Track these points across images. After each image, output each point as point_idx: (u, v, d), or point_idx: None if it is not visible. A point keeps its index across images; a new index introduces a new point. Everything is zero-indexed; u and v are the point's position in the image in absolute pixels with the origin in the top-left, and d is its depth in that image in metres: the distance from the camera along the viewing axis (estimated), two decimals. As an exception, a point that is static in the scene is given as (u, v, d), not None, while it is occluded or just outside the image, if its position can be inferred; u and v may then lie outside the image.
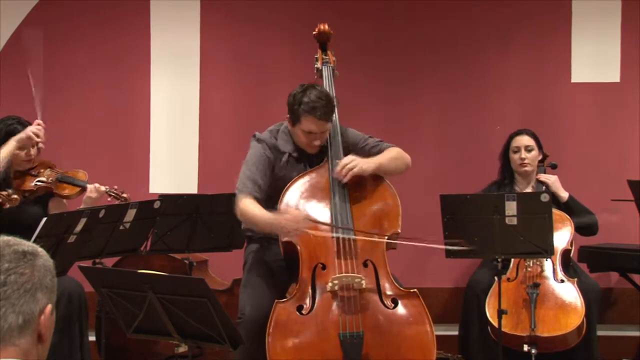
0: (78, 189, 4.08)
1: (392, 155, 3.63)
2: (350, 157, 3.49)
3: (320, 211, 3.47)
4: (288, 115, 3.56)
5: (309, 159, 3.62)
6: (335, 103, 3.57)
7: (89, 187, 4.02)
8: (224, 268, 4.83)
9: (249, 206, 3.42)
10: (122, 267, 4.36)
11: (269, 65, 5.26)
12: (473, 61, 5.25)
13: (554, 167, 4.46)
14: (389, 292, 3.33)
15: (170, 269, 4.40)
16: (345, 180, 3.45)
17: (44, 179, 4.03)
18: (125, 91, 5.25)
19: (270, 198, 3.51)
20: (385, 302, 3.30)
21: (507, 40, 5.25)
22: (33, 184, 4.02)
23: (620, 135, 5.19)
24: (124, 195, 4.06)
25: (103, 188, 4.03)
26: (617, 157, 5.17)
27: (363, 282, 3.27)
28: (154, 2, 5.26)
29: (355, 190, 3.52)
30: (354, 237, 3.36)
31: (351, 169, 3.43)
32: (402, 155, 3.67)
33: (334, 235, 3.36)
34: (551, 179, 4.39)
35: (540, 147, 4.46)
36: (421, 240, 3.40)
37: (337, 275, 3.28)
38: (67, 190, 4.08)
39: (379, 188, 3.56)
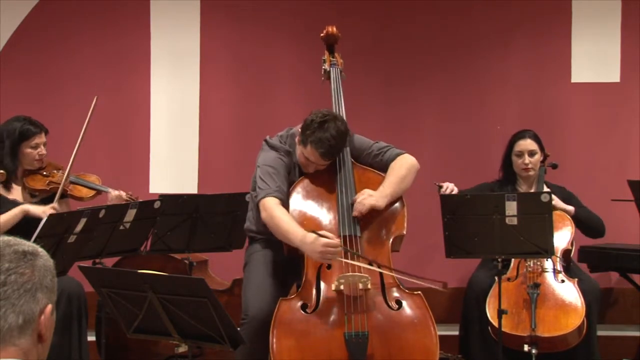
0: (94, 192, 4.12)
1: (400, 175, 3.56)
2: (365, 193, 3.44)
3: (326, 212, 3.48)
4: (300, 130, 3.55)
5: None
6: (350, 139, 3.55)
7: (114, 194, 4.05)
8: (224, 268, 4.83)
9: (278, 212, 3.35)
10: (122, 267, 4.36)
11: (269, 65, 5.26)
12: (473, 61, 5.25)
13: (554, 167, 4.44)
14: (393, 294, 3.33)
15: (170, 269, 4.40)
16: (362, 214, 3.42)
17: (56, 180, 4.05)
18: (125, 91, 5.25)
19: None
20: (390, 303, 3.30)
21: (507, 41, 5.25)
22: (47, 183, 4.05)
23: (620, 135, 5.18)
24: (139, 200, 4.10)
25: (124, 195, 4.06)
26: (617, 157, 5.16)
27: (368, 282, 3.27)
28: (154, 2, 5.26)
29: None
30: (374, 268, 3.34)
31: (366, 204, 3.40)
32: (409, 168, 3.60)
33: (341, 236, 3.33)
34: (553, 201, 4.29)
35: (542, 149, 4.44)
36: (415, 277, 3.33)
37: (343, 274, 3.28)
38: (83, 192, 4.11)
39: None
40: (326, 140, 3.40)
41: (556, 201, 4.24)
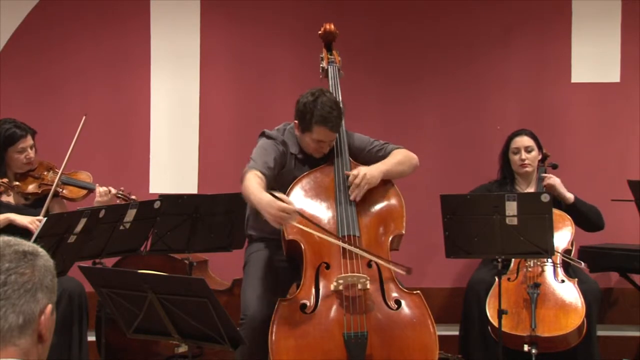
0: (85, 192, 4.10)
1: (397, 159, 3.63)
2: (356, 172, 3.49)
3: (325, 210, 3.48)
4: (296, 121, 3.56)
5: (313, 161, 3.63)
6: (343, 110, 3.58)
7: (101, 190, 4.03)
8: (224, 268, 4.83)
9: (251, 180, 3.37)
10: (122, 267, 4.36)
11: (269, 65, 5.26)
12: (473, 61, 5.25)
13: (554, 167, 4.45)
14: (392, 293, 3.33)
15: (170, 269, 4.39)
16: (358, 199, 3.46)
17: (47, 182, 4.04)
18: (125, 91, 5.25)
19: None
20: (389, 303, 3.30)
21: (508, 41, 5.25)
22: (38, 186, 4.03)
23: (620, 135, 5.18)
24: (132, 197, 4.09)
25: (113, 191, 4.06)
26: (617, 157, 5.16)
27: (367, 282, 3.27)
28: (154, 2, 5.26)
29: None
30: (348, 246, 3.36)
31: (362, 188, 3.44)
32: (409, 158, 3.67)
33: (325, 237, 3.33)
34: (556, 182, 4.34)
35: (539, 147, 4.47)
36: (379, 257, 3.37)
37: (342, 275, 3.28)
38: (74, 193, 4.10)
39: (384, 188, 3.57)
40: (328, 113, 3.47)
41: (558, 184, 4.27)
